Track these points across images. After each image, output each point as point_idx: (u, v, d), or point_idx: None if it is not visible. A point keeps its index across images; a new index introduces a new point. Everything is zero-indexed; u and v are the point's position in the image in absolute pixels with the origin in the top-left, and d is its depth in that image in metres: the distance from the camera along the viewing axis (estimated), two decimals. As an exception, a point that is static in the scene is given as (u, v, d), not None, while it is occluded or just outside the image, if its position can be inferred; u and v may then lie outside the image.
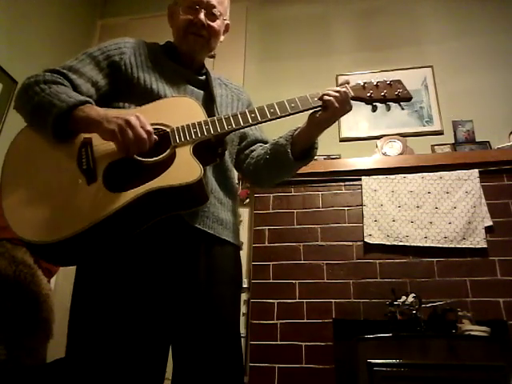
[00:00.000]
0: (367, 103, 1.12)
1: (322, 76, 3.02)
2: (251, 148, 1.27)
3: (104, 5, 3.65)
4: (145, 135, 0.94)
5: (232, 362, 1.03)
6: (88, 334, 0.96)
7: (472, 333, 1.88)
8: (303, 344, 2.22)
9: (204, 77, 1.26)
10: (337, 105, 1.05)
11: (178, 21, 1.21)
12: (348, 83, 1.12)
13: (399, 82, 1.14)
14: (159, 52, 1.23)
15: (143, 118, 0.96)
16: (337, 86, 1.11)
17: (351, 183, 2.54)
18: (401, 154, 2.55)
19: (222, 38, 1.27)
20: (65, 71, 1.07)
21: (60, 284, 2.63)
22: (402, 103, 1.14)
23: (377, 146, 2.63)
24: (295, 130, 1.15)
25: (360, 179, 2.52)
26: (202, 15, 1.18)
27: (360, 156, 2.59)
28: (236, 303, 1.13)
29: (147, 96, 1.10)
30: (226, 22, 1.27)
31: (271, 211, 2.53)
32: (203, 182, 0.95)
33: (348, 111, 1.09)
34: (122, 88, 1.13)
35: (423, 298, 2.02)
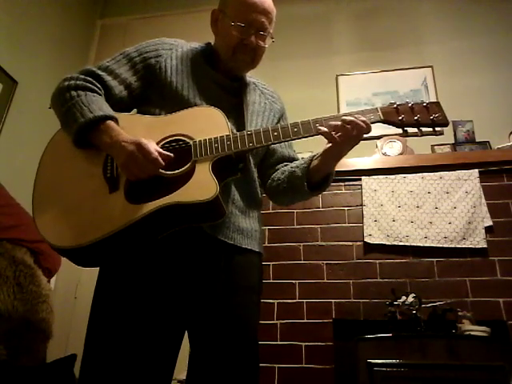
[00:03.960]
0: (398, 127, 1.05)
1: (322, 76, 3.03)
2: (276, 167, 1.25)
3: (104, 5, 3.64)
4: (150, 166, 0.96)
5: (248, 368, 1.03)
6: (101, 335, 0.99)
7: (472, 333, 1.88)
8: (303, 344, 2.22)
9: (238, 83, 1.25)
10: (338, 139, 1.00)
11: (227, 34, 1.16)
12: (350, 123, 0.99)
13: (437, 104, 1.06)
14: (197, 55, 1.22)
15: (146, 144, 0.96)
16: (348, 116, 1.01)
17: (351, 183, 2.54)
18: (401, 154, 2.55)
19: None
20: (100, 72, 1.11)
21: (60, 284, 2.63)
22: (437, 128, 1.05)
23: (377, 146, 2.63)
24: (311, 161, 1.13)
25: (360, 179, 2.51)
26: (253, 38, 1.14)
27: (360, 156, 2.58)
28: (255, 310, 1.12)
29: (177, 101, 1.11)
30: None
31: (271, 211, 2.52)
32: (219, 200, 0.96)
33: (359, 139, 1.02)
34: (155, 90, 1.15)
35: (423, 298, 2.02)
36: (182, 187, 0.95)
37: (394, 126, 1.06)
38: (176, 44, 1.22)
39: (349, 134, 1.00)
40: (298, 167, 1.15)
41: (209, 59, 1.22)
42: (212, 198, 0.93)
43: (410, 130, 1.07)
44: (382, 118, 1.04)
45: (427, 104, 1.06)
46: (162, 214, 0.94)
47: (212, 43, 1.26)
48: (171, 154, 0.99)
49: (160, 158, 0.96)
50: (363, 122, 1.00)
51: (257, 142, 1.03)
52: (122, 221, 0.93)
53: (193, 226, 1.00)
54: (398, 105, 1.05)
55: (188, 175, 0.98)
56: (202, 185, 0.96)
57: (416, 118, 1.04)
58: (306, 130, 1.03)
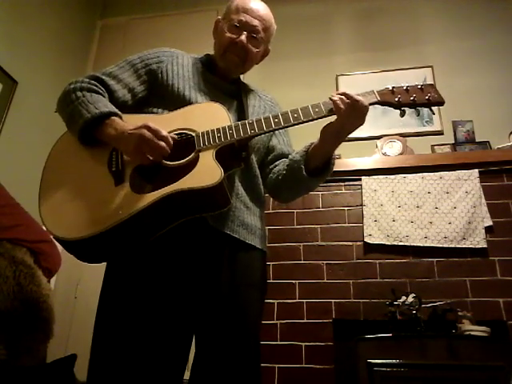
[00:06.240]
0: (395, 108, 1.08)
1: (322, 76, 3.03)
2: (275, 163, 1.27)
3: (104, 5, 3.64)
4: (162, 143, 0.97)
5: (248, 367, 1.03)
6: (110, 332, 0.99)
7: (472, 333, 1.88)
8: (303, 344, 2.22)
9: (235, 86, 1.28)
10: (342, 106, 1.01)
11: (221, 36, 1.23)
12: (345, 94, 1.02)
13: (431, 86, 1.09)
14: (196, 62, 1.28)
15: (154, 125, 0.99)
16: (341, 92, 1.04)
17: (351, 183, 2.54)
18: (401, 154, 2.55)
19: (259, 62, 1.30)
20: (104, 77, 1.15)
21: (60, 284, 2.63)
22: (433, 107, 1.08)
23: (377, 146, 2.64)
24: (310, 145, 1.14)
25: (360, 179, 2.52)
26: (243, 37, 1.19)
27: (360, 156, 2.59)
28: (257, 307, 1.12)
29: (179, 103, 1.14)
30: (266, 48, 1.29)
31: (271, 211, 2.52)
32: (224, 186, 0.97)
33: (359, 119, 1.03)
34: (158, 94, 1.18)
35: (423, 298, 2.02)
36: (187, 175, 0.97)
37: (391, 106, 1.08)
38: (176, 53, 1.28)
39: (348, 107, 1.01)
40: (297, 153, 1.17)
41: (208, 67, 1.28)
42: (217, 182, 0.94)
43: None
44: (378, 99, 1.06)
45: (422, 86, 1.08)
46: (168, 201, 0.94)
47: (210, 54, 1.31)
48: (175, 136, 1.02)
49: (169, 137, 0.99)
50: (359, 98, 1.01)
51: (258, 128, 1.05)
52: (130, 210, 0.94)
53: (197, 216, 1.01)
54: (393, 87, 1.08)
55: (192, 164, 0.99)
56: (206, 171, 0.97)
57: (412, 98, 1.07)
58: (306, 114, 1.05)
